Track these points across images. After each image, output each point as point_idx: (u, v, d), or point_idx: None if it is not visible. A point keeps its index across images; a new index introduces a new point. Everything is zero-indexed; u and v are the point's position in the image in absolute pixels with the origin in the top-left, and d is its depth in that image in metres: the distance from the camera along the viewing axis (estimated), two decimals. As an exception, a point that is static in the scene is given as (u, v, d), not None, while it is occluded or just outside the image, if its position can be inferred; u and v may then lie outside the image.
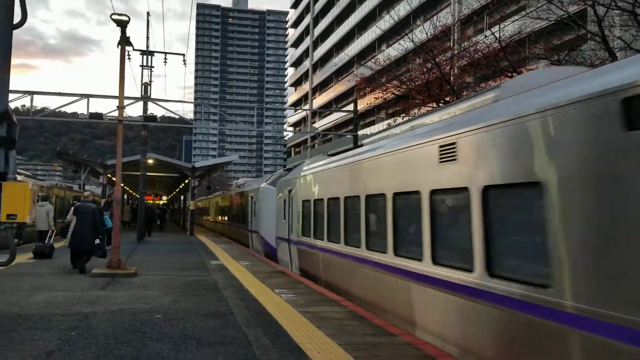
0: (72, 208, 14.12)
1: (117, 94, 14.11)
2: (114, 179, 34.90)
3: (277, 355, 5.93)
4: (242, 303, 9.19)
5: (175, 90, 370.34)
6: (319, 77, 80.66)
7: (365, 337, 6.85)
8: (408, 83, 24.15)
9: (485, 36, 22.57)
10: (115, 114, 16.55)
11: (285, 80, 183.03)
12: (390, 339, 6.79)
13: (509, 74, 19.45)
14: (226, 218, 34.07)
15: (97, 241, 13.17)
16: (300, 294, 10.22)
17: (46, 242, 16.69)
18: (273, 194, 18.66)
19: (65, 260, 14.34)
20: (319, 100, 79.17)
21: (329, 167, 11.64)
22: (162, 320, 7.75)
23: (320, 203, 12.11)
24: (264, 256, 19.14)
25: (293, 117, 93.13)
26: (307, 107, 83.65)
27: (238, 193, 28.68)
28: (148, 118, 23.86)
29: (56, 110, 28.70)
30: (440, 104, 22.53)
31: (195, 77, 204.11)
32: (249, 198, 24.17)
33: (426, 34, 24.06)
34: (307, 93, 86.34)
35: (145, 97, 24.21)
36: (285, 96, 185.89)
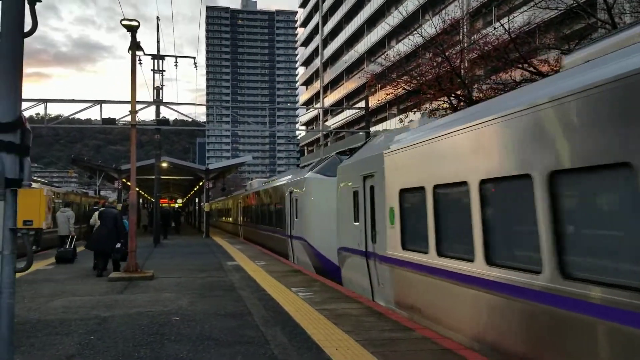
0: (97, 213, 14.93)
1: (129, 99, 14.23)
2: (128, 183, 35.25)
3: (296, 354, 5.94)
4: (259, 303, 9.21)
5: (186, 93, 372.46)
6: (330, 75, 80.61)
7: (383, 333, 6.83)
8: (418, 78, 24.02)
9: (495, 28, 22.39)
10: (128, 118, 16.66)
11: (296, 79, 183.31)
12: (408, 334, 6.77)
13: (520, 65, 19.28)
14: (253, 220, 27.15)
15: (118, 245, 13.77)
16: (316, 292, 10.23)
17: (67, 247, 17.12)
18: (327, 185, 14.39)
19: (84, 265, 14.49)
20: (330, 98, 79.13)
21: (478, 123, 6.07)
22: (180, 322, 7.80)
23: (455, 191, 6.73)
24: (316, 272, 14.41)
25: (305, 116, 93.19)
26: (318, 105, 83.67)
27: (270, 188, 22.61)
28: (161, 122, 24.02)
29: (70, 118, 29.01)
30: (452, 98, 22.41)
31: (207, 80, 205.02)
32: (287, 193, 18.37)
33: (435, 28, 23.92)
34: (318, 92, 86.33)
35: (158, 101, 24.36)
36: (296, 95, 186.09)
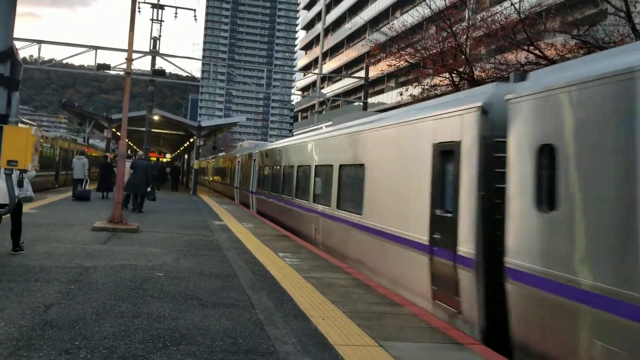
0: (131, 163, 18.34)
1: (125, 47, 13.75)
2: (118, 133, 34.71)
3: (282, 320, 5.80)
4: (245, 265, 9.06)
5: (183, 49, 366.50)
6: (330, 41, 79.43)
7: (371, 306, 6.71)
8: (422, 51, 23.58)
9: (504, 8, 21.90)
10: (123, 66, 16.19)
11: (296, 43, 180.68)
12: (395, 309, 6.66)
13: (526, 48, 18.92)
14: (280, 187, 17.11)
15: (149, 189, 17.80)
16: (304, 259, 10.10)
17: (82, 188, 20.79)
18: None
19: (73, 214, 14.29)
20: (329, 65, 78.14)
21: None
22: (164, 278, 7.62)
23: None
24: None
25: (302, 81, 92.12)
26: (316, 71, 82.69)
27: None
28: (156, 72, 23.46)
29: (63, 62, 28.31)
30: (454, 75, 22.07)
31: (205, 35, 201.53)
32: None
33: (444, 0, 23.38)
34: (317, 57, 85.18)
35: (154, 52, 23.77)
36: (294, 59, 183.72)
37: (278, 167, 17.78)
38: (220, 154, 43.91)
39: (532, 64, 18.81)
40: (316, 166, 13.09)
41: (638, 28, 15.72)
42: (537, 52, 18.54)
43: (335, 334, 5.41)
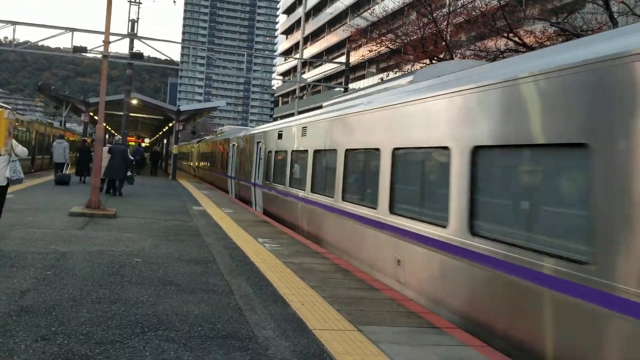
0: (108, 148, 18.31)
1: (103, 29, 13.50)
2: (96, 117, 34.18)
3: (261, 305, 5.81)
4: (224, 251, 9.04)
5: (162, 32, 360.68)
6: (312, 26, 78.86)
7: (350, 291, 6.76)
8: (403, 37, 23.58)
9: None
10: (101, 49, 15.91)
11: (277, 27, 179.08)
12: (373, 294, 6.71)
13: (505, 35, 19.01)
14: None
15: (129, 173, 18.42)
16: (284, 244, 10.11)
17: (63, 171, 21.09)
18: None
19: (49, 199, 14.09)
20: (310, 50, 77.63)
21: None
22: (142, 264, 7.57)
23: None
24: None
25: (282, 66, 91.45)
26: (297, 56, 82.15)
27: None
28: (135, 55, 23.08)
29: (39, 44, 27.72)
30: (434, 61, 22.12)
31: (184, 18, 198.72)
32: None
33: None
34: (298, 42, 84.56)
35: (132, 34, 23.36)
36: (275, 44, 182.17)
37: (308, 152, 11.82)
38: (209, 137, 37.75)
39: (512, 51, 18.95)
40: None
41: (615, 16, 15.91)
42: (516, 39, 18.67)
43: (314, 319, 5.44)
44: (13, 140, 8.29)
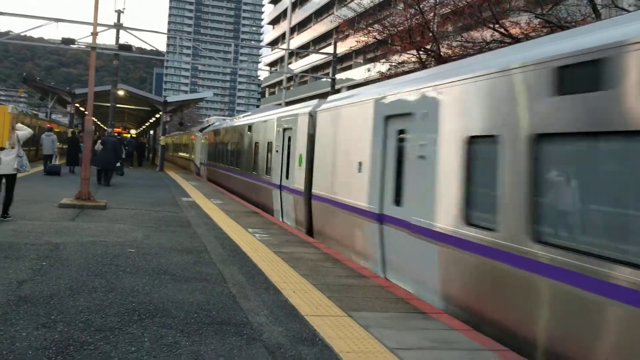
0: (100, 140, 19.56)
1: (88, 20, 13.47)
2: (82, 108, 33.95)
3: (253, 293, 5.97)
4: (216, 241, 9.18)
5: (147, 23, 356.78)
6: (298, 16, 78.61)
7: (339, 279, 6.94)
8: (390, 28, 23.69)
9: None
10: (88, 40, 15.85)
11: (263, 17, 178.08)
12: (362, 281, 6.90)
13: (491, 26, 19.22)
14: None
15: (118, 164, 19.35)
16: (273, 234, 10.26)
17: (52, 163, 21.53)
18: None
19: (38, 191, 14.11)
20: (297, 40, 77.44)
21: None
22: (136, 254, 7.69)
23: None
24: None
25: (269, 56, 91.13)
26: (284, 46, 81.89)
27: None
28: (123, 47, 22.98)
29: (21, 34, 27.44)
30: (421, 52, 22.28)
31: (170, 8, 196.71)
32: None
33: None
34: (285, 32, 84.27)
35: (119, 25, 23.23)
36: (261, 34, 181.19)
37: None
38: (220, 124, 27.16)
39: (497, 42, 19.15)
40: None
41: (599, 8, 16.15)
42: (502, 30, 18.88)
43: (306, 305, 5.62)
44: (19, 123, 10.38)
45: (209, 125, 31.43)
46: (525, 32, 18.42)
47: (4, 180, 10.05)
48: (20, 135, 10.04)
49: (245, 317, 5.13)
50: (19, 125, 10.66)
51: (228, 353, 4.18)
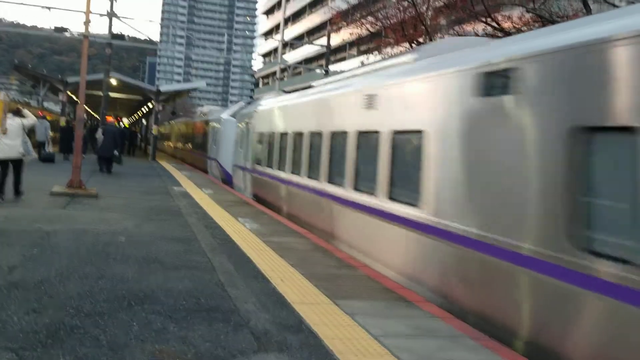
0: (101, 129, 21.04)
1: (81, 8, 13.44)
2: (74, 97, 33.76)
3: (242, 282, 6.07)
4: (206, 230, 9.26)
5: (140, 12, 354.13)
6: (293, 6, 78.31)
7: (328, 269, 7.05)
8: (383, 20, 23.74)
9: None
10: (78, 29, 15.78)
11: (256, 7, 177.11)
12: (351, 272, 7.01)
13: (483, 19, 19.30)
14: None
15: (116, 153, 19.69)
16: (263, 224, 10.35)
17: (45, 150, 22.08)
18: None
19: (30, 178, 14.17)
20: (291, 31, 77.18)
21: None
22: (126, 242, 7.76)
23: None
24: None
25: (263, 46, 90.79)
26: (278, 37, 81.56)
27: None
28: (116, 36, 22.93)
29: (14, 23, 27.24)
30: (414, 45, 22.33)
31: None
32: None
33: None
34: (279, 23, 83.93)
35: (112, 14, 23.13)
36: (255, 24, 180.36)
37: None
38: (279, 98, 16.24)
39: (489, 35, 19.25)
40: None
41: (589, 3, 16.26)
42: (494, 24, 18.98)
43: (293, 294, 5.72)
44: (25, 110, 11.28)
45: (255, 103, 18.83)
46: (517, 25, 18.53)
47: (10, 166, 10.87)
48: (26, 124, 10.89)
49: (233, 304, 5.23)
50: (25, 111, 11.42)
51: (215, 338, 4.28)
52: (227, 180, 19.99)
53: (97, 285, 5.52)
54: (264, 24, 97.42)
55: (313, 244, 8.67)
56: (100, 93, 27.07)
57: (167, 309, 4.93)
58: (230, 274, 6.38)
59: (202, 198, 13.98)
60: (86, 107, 47.26)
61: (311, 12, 70.66)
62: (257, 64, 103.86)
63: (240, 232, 9.27)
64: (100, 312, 4.68)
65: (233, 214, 11.39)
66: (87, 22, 13.39)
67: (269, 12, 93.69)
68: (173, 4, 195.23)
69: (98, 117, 33.36)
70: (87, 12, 13.32)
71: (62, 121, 29.22)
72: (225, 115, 22.41)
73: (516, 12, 19.92)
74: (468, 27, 21.43)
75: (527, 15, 18.46)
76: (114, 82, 29.10)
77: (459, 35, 21.26)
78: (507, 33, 17.66)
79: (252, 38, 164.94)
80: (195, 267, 6.59)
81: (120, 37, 23.26)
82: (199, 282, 5.93)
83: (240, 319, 4.81)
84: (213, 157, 23.14)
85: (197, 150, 28.70)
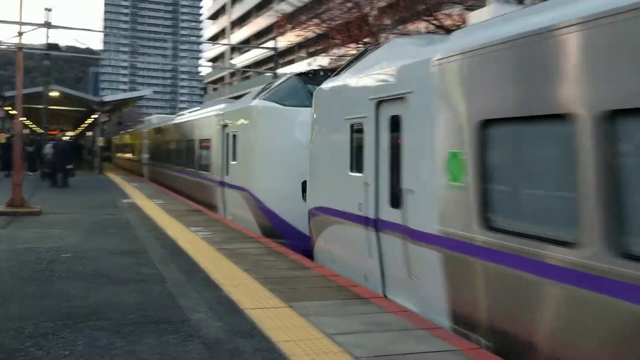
0: (52, 143, 20.68)
1: (15, 19, 12.94)
2: (12, 112, 32.49)
3: (193, 291, 5.96)
4: (156, 241, 9.06)
5: (81, 21, 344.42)
6: (238, 10, 77.84)
7: (281, 272, 7.00)
8: (328, 22, 23.84)
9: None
10: (14, 40, 15.23)
11: (201, 12, 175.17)
12: (305, 272, 6.99)
13: (425, 18, 19.68)
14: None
15: (70, 166, 19.84)
16: (216, 231, 10.22)
17: None
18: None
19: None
20: (238, 35, 76.64)
21: None
22: (71, 259, 7.51)
23: None
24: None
25: (210, 52, 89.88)
26: (225, 41, 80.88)
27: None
28: (51, 46, 22.17)
29: (-57, 34, 26.04)
30: (360, 45, 22.54)
31: (105, 4, 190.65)
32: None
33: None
34: (226, 27, 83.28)
35: (47, 24, 22.39)
36: (201, 29, 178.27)
37: None
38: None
39: (432, 33, 19.64)
40: None
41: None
42: (435, 22, 19.37)
43: (247, 300, 5.65)
44: None
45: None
46: (457, 23, 18.95)
47: None
48: None
49: (183, 314, 5.12)
50: None
51: (164, 350, 4.18)
52: (278, 229, 10.21)
53: (40, 305, 5.30)
54: (210, 28, 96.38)
55: (266, 248, 8.61)
56: (42, 106, 26.16)
57: (114, 324, 4.78)
58: (181, 285, 6.25)
59: (152, 209, 13.68)
60: (28, 122, 45.68)
61: (257, 15, 70.36)
62: (205, 69, 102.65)
63: (191, 240, 9.12)
64: (43, 333, 4.50)
65: (185, 223, 11.19)
66: (20, 34, 12.91)
67: (214, 16, 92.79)
68: (115, 12, 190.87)
69: (41, 131, 32.12)
70: (20, 23, 12.83)
71: (2, 138, 28.05)
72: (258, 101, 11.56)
73: (456, 10, 20.41)
74: (411, 27, 21.77)
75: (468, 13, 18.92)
76: (54, 94, 28.16)
77: (404, 34, 21.60)
78: (448, 31, 18.05)
79: (199, 43, 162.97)
80: (145, 280, 6.43)
81: (55, 46, 22.51)
82: (148, 295, 5.78)
83: (191, 328, 4.71)
84: (238, 184, 11.88)
85: (196, 170, 16.42)
